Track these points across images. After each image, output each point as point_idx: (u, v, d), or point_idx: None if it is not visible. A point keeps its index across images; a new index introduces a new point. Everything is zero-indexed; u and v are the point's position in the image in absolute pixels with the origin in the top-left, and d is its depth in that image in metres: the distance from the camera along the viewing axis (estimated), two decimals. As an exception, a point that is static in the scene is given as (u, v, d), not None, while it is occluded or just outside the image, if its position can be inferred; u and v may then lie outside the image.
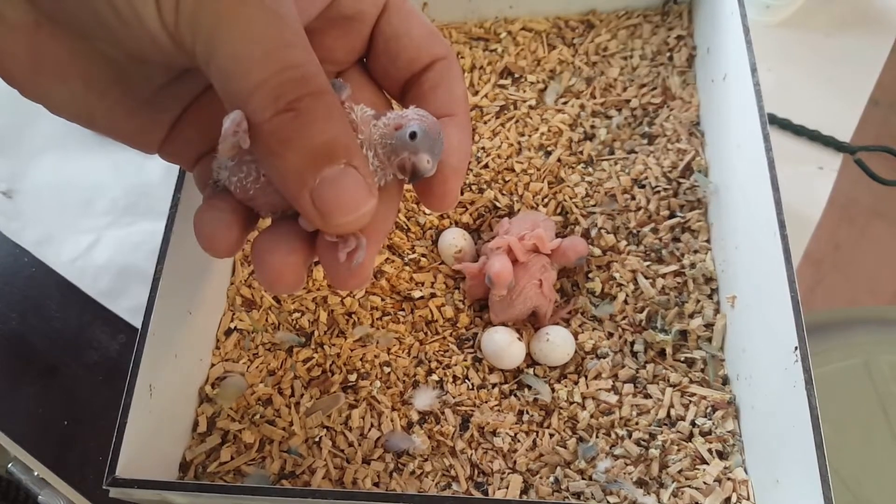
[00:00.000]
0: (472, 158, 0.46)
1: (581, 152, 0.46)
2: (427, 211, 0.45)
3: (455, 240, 0.43)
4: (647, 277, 0.41)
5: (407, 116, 0.21)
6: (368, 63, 0.27)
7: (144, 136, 0.25)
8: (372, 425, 0.38)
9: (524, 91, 0.49)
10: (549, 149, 0.46)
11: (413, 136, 0.20)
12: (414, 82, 0.25)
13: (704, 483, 0.35)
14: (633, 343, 0.40)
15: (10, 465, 0.46)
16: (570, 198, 0.44)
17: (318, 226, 0.20)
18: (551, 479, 0.36)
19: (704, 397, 0.37)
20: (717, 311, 0.40)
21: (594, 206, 0.44)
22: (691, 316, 0.40)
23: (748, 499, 0.34)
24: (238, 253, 0.44)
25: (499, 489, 0.36)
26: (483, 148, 0.47)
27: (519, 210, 0.44)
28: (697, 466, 0.35)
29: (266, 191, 0.21)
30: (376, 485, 0.37)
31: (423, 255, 0.44)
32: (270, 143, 0.19)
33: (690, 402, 0.37)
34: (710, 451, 0.36)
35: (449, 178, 0.23)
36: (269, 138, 0.19)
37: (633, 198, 0.43)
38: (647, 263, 0.41)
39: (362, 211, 0.19)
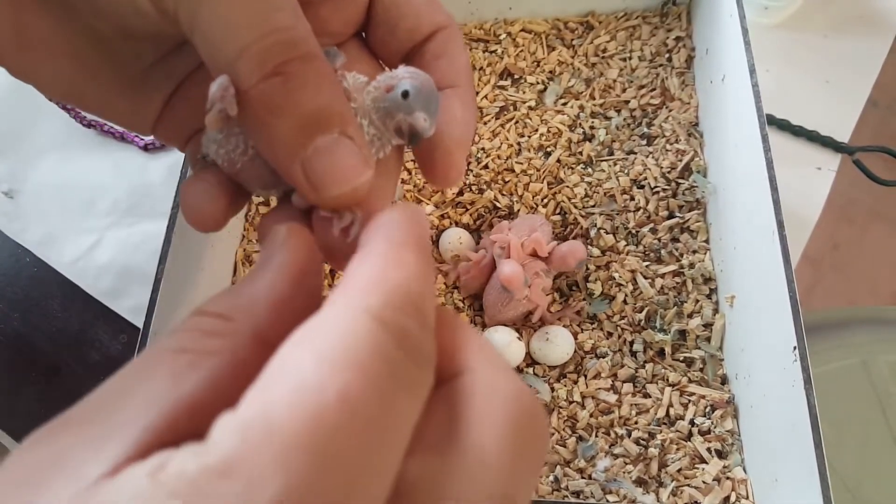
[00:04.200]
0: (471, 159, 0.46)
1: (580, 153, 0.46)
2: (426, 211, 0.45)
3: (451, 244, 0.43)
4: (646, 277, 0.41)
5: (397, 76, 0.20)
6: (367, 36, 0.25)
7: (137, 116, 0.24)
8: (373, 425, 0.39)
9: (524, 92, 0.49)
10: (548, 149, 0.46)
11: (406, 94, 0.19)
12: (415, 53, 0.24)
13: (703, 482, 0.35)
14: (632, 343, 0.40)
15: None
16: (570, 198, 0.44)
17: (311, 200, 0.19)
18: (551, 477, 0.36)
19: (703, 396, 0.38)
20: (715, 310, 0.40)
21: (593, 206, 0.44)
22: (690, 316, 0.40)
23: (747, 498, 0.34)
24: (239, 252, 0.44)
25: (499, 488, 0.36)
26: (483, 149, 0.47)
27: (519, 211, 0.44)
28: (696, 465, 0.36)
29: (255, 163, 0.20)
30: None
31: (424, 256, 0.44)
32: (258, 110, 0.18)
33: (689, 401, 0.38)
34: (709, 450, 0.36)
35: (453, 150, 0.22)
36: (256, 105, 0.18)
37: (633, 198, 0.44)
38: (647, 263, 0.42)
39: (357, 183, 0.18)
